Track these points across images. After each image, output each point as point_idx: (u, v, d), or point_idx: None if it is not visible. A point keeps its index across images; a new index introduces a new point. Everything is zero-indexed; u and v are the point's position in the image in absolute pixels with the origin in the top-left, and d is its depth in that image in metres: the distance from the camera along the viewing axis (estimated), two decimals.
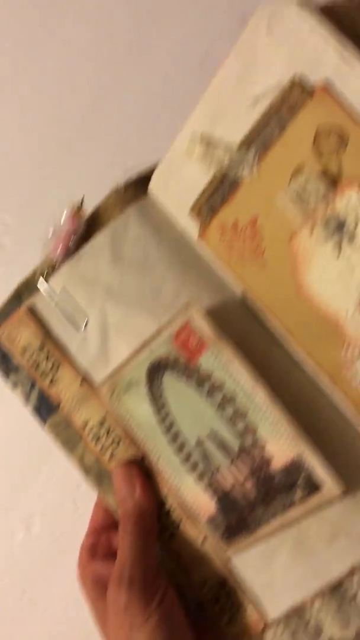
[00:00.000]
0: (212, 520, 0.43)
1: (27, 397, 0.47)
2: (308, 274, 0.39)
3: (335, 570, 0.41)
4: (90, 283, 0.45)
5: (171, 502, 0.45)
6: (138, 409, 0.44)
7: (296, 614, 0.43)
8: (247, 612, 0.44)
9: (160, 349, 0.43)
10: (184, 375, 0.42)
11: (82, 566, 0.47)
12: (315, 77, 0.35)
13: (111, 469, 0.45)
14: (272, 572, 0.43)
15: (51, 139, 0.62)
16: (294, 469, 0.40)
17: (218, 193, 0.40)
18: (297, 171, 0.37)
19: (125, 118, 0.61)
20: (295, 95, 0.36)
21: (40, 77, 0.63)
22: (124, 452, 0.45)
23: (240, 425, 0.41)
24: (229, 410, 0.41)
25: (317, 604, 0.42)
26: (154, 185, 0.44)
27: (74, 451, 0.47)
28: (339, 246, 0.37)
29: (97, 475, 0.46)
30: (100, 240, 0.45)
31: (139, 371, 0.43)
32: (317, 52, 0.35)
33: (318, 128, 0.36)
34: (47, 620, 0.60)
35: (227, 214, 0.40)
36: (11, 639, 0.60)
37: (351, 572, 0.41)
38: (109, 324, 0.45)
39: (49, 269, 0.46)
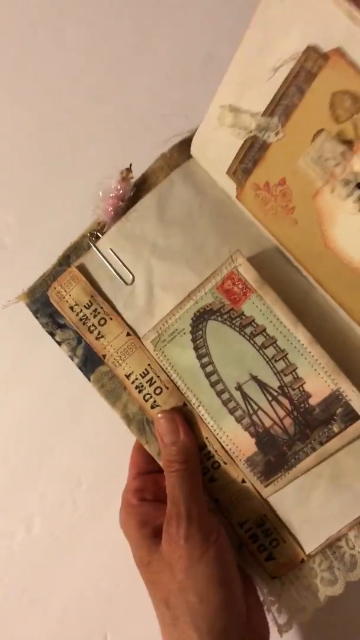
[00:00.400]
0: (251, 459, 0.46)
1: (73, 352, 0.49)
2: (333, 228, 0.42)
3: None
4: (137, 242, 0.48)
5: (211, 446, 0.47)
6: (182, 356, 0.47)
7: (332, 547, 0.46)
8: (286, 548, 0.46)
9: (205, 298, 0.45)
10: (227, 321, 0.45)
11: (129, 507, 0.48)
12: (329, 43, 0.35)
13: (154, 416, 0.47)
14: (310, 507, 0.46)
15: (52, 139, 0.63)
16: (332, 402, 0.43)
17: (249, 156, 0.43)
18: (318, 134, 0.38)
19: (126, 119, 0.62)
20: (311, 62, 0.36)
21: (41, 77, 0.63)
22: (165, 401, 0.47)
23: (281, 365, 0.44)
24: (270, 351, 0.44)
25: (352, 535, 0.45)
26: (194, 150, 0.47)
27: (117, 402, 0.48)
28: (359, 203, 0.40)
29: (140, 424, 0.48)
30: (147, 202, 0.47)
31: (184, 321, 0.46)
32: (329, 17, 0.34)
33: (334, 92, 0.36)
34: (47, 620, 0.58)
35: (259, 175, 0.43)
36: (11, 639, 0.59)
37: None
38: (154, 279, 0.47)
39: (98, 230, 0.48)
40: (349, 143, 0.39)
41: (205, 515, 0.44)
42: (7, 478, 0.60)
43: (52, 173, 0.62)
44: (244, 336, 0.45)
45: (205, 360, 0.46)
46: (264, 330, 0.44)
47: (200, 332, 0.46)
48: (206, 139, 0.45)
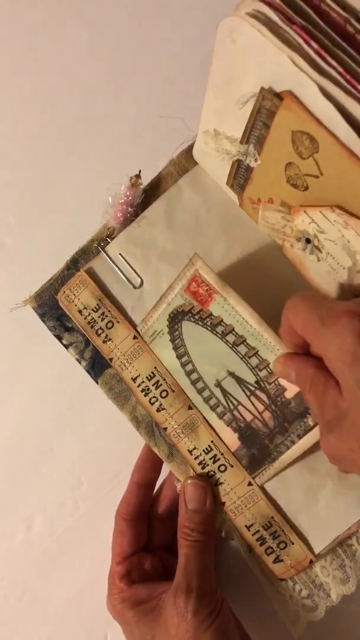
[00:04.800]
0: (236, 454, 0.47)
1: (81, 355, 0.50)
2: (308, 273, 0.46)
3: None
4: (146, 247, 0.50)
5: (217, 449, 0.48)
6: (163, 356, 0.48)
7: (342, 546, 0.46)
8: (294, 550, 0.47)
9: (176, 300, 0.47)
10: (199, 321, 0.46)
11: (120, 593, 0.49)
12: (281, 85, 0.35)
13: (157, 421, 0.48)
14: (317, 506, 0.46)
15: (53, 139, 0.63)
16: None
17: (239, 175, 0.45)
18: (289, 165, 0.39)
19: (126, 119, 0.62)
20: (268, 102, 0.36)
21: (42, 78, 0.64)
22: (171, 404, 0.48)
23: (254, 361, 0.45)
24: (242, 349, 0.46)
25: None
26: (197, 159, 0.49)
27: (125, 404, 0.49)
28: (315, 254, 0.43)
29: (148, 426, 0.49)
30: (156, 208, 0.50)
31: (161, 322, 0.48)
32: (275, 62, 0.34)
33: (293, 131, 0.36)
34: (47, 620, 0.57)
35: (251, 192, 0.46)
36: (11, 639, 0.57)
37: None
38: (163, 283, 0.49)
39: (107, 235, 0.50)
40: (287, 207, 0.42)
41: (213, 590, 0.45)
42: (7, 478, 0.60)
43: (52, 173, 0.62)
44: (216, 335, 0.46)
45: (184, 359, 0.48)
46: (233, 329, 0.46)
47: (177, 332, 0.48)
48: (202, 154, 0.48)
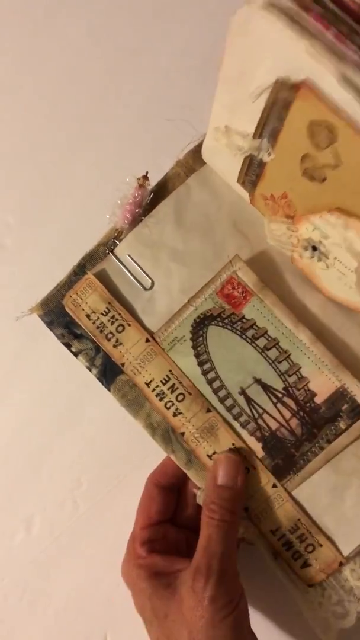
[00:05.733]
0: (262, 463, 0.45)
1: (91, 362, 0.47)
2: (320, 282, 0.44)
3: None
4: (156, 247, 0.48)
5: (239, 452, 0.46)
6: (182, 364, 0.46)
7: None
8: (322, 552, 0.45)
9: (205, 304, 0.46)
10: (228, 325, 0.45)
11: (137, 559, 0.46)
12: (297, 75, 0.33)
13: (174, 426, 0.46)
14: (344, 506, 0.45)
15: (53, 139, 0.61)
16: (338, 399, 0.43)
17: (252, 171, 0.43)
18: (304, 158, 0.38)
19: (126, 119, 0.61)
20: (284, 94, 0.35)
21: (40, 78, 0.62)
22: (188, 407, 0.46)
23: (284, 366, 0.44)
24: (273, 353, 0.44)
25: None
26: (205, 158, 0.47)
27: (140, 411, 0.47)
28: (323, 261, 0.42)
29: (165, 433, 0.47)
30: (164, 207, 0.47)
31: (184, 328, 0.46)
32: (291, 52, 0.33)
33: (310, 123, 0.35)
34: (47, 621, 0.56)
35: (264, 188, 0.43)
36: (11, 639, 0.56)
37: None
38: (174, 283, 0.47)
39: (116, 237, 0.48)
40: (290, 217, 0.41)
41: (235, 577, 0.42)
42: (7, 478, 0.58)
43: (52, 173, 0.61)
44: (245, 340, 0.45)
45: (207, 366, 0.46)
46: (266, 332, 0.44)
47: (201, 339, 0.46)
48: (211, 152, 0.46)
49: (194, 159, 0.48)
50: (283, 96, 0.35)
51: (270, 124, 0.38)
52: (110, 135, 0.60)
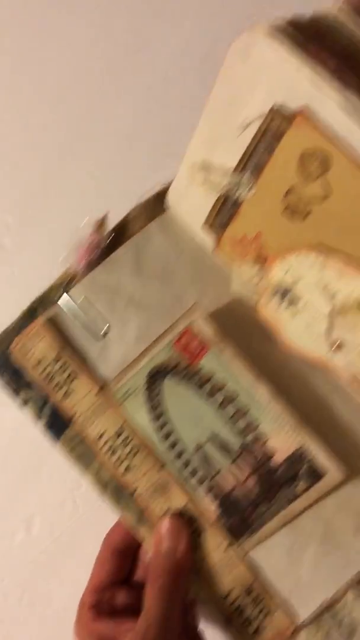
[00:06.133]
0: (215, 525, 0.43)
1: (38, 413, 0.45)
2: (284, 332, 0.43)
3: None
4: (112, 292, 0.45)
5: (192, 511, 0.43)
6: (136, 417, 0.44)
7: (328, 612, 0.42)
8: (275, 618, 0.43)
9: (161, 354, 0.43)
10: (184, 378, 0.43)
11: (84, 625, 0.45)
12: (293, 104, 0.35)
13: (125, 483, 0.44)
14: (300, 570, 0.42)
15: (52, 139, 0.61)
16: (296, 460, 0.41)
17: (224, 212, 0.42)
18: (289, 192, 0.38)
19: (126, 119, 0.60)
20: (277, 122, 0.36)
21: (40, 78, 0.62)
22: (141, 462, 0.44)
23: (242, 423, 0.42)
24: (230, 409, 0.42)
25: (350, 597, 0.42)
26: (170, 203, 0.46)
27: (89, 467, 0.45)
28: (291, 308, 0.41)
29: (115, 490, 0.44)
30: (123, 253, 0.46)
31: (138, 379, 0.44)
32: (292, 80, 0.34)
33: (302, 153, 0.36)
34: (47, 621, 0.58)
35: (235, 230, 0.42)
36: (11, 639, 0.58)
37: None
38: (131, 331, 0.45)
39: (69, 281, 0.46)
40: (262, 260, 0.40)
41: None
42: (7, 478, 0.59)
43: (51, 173, 0.62)
44: (202, 394, 0.43)
45: (162, 420, 0.43)
46: (224, 386, 0.42)
47: (156, 391, 0.43)
48: (180, 194, 0.45)
49: (156, 204, 0.46)
50: (276, 125, 0.36)
51: (257, 156, 0.38)
52: (110, 134, 0.60)
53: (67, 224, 0.55)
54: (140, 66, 0.60)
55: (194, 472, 0.43)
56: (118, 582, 0.47)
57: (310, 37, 0.35)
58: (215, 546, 0.43)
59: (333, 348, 0.40)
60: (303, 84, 0.34)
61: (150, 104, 0.60)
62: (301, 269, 0.39)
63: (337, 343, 0.40)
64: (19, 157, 0.61)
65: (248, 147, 0.38)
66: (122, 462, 0.44)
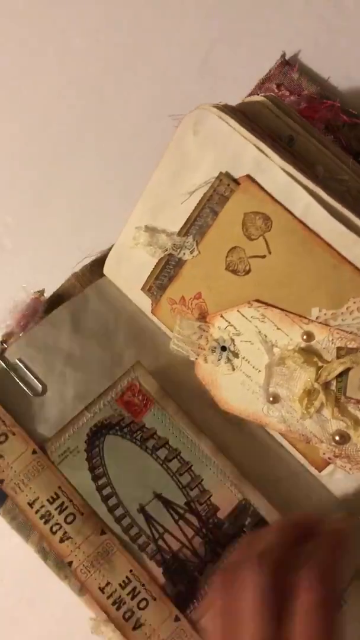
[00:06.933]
0: (163, 592, 0.41)
1: None
2: (220, 392, 0.44)
3: None
4: (50, 351, 0.45)
5: (137, 580, 0.41)
6: (75, 478, 0.42)
7: None
8: None
9: (103, 411, 0.43)
10: (127, 434, 0.43)
11: None
12: (238, 172, 0.39)
13: (62, 554, 0.41)
14: None
15: (51, 139, 0.61)
16: (241, 512, 0.41)
17: (165, 273, 0.44)
18: (231, 251, 0.41)
19: (125, 118, 0.60)
20: (224, 187, 0.40)
21: (39, 79, 0.62)
22: (79, 530, 0.41)
23: (186, 478, 0.42)
24: (174, 464, 0.42)
25: None
26: (107, 270, 0.47)
27: (30, 536, 0.42)
28: (230, 363, 0.42)
29: (55, 561, 0.41)
30: (60, 313, 0.46)
31: (78, 437, 0.43)
32: (239, 148, 0.38)
33: (245, 213, 0.39)
34: (46, 621, 0.54)
35: (174, 290, 0.44)
36: (11, 639, 0.55)
37: None
38: (69, 390, 0.44)
39: (5, 340, 0.45)
40: (203, 317, 0.42)
41: None
42: None
43: (51, 173, 0.61)
44: (145, 450, 0.42)
45: (102, 481, 0.42)
46: (167, 442, 0.42)
47: (97, 450, 0.43)
48: (121, 257, 0.46)
49: (91, 272, 0.48)
50: (222, 190, 0.39)
51: (201, 219, 0.41)
52: (110, 134, 0.60)
53: (67, 225, 0.59)
54: (139, 67, 0.60)
55: (137, 536, 0.41)
56: None
57: (248, 118, 0.40)
58: (164, 618, 0.40)
59: (269, 400, 0.41)
60: (249, 151, 0.38)
61: (150, 104, 0.59)
62: (240, 324, 0.41)
63: (273, 396, 0.41)
64: (17, 157, 0.61)
65: (193, 212, 0.41)
66: (57, 530, 0.41)
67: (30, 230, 0.60)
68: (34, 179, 0.61)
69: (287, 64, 0.53)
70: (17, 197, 0.61)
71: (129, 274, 0.46)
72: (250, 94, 0.53)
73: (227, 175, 0.39)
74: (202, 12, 0.59)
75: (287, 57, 0.53)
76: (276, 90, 0.52)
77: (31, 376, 0.44)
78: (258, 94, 0.50)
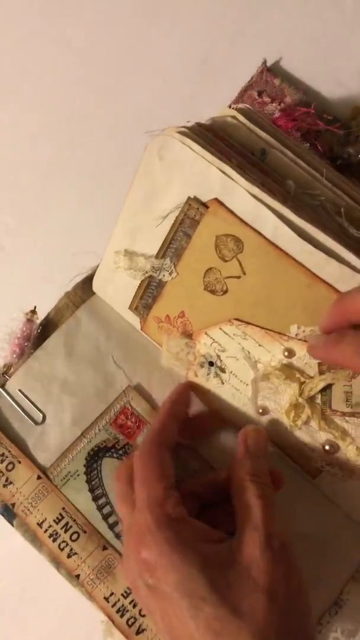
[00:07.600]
0: None
1: None
2: (212, 404, 0.45)
3: None
4: (47, 380, 0.46)
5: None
6: (77, 500, 0.44)
7: None
8: None
9: (99, 435, 0.45)
10: (123, 456, 0.44)
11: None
12: (206, 196, 0.39)
13: (70, 568, 0.44)
14: None
15: (51, 140, 0.61)
16: None
17: (148, 293, 0.45)
18: (208, 272, 0.41)
19: (125, 118, 0.60)
20: (193, 211, 0.40)
21: (39, 79, 0.62)
22: (83, 547, 0.44)
23: None
24: None
25: None
26: (96, 289, 0.48)
27: (42, 549, 0.45)
28: (219, 377, 0.43)
29: (66, 573, 0.44)
30: (54, 341, 0.47)
31: (77, 462, 0.45)
32: (204, 172, 0.38)
33: (217, 235, 0.39)
34: (47, 620, 0.54)
35: (159, 309, 0.45)
36: (11, 639, 0.55)
37: None
38: (66, 415, 0.46)
39: (5, 371, 0.47)
40: (189, 335, 0.43)
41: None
42: None
43: (51, 174, 0.61)
44: None
45: (102, 501, 0.44)
46: None
47: (95, 472, 0.44)
48: (105, 279, 0.47)
49: (83, 290, 0.48)
50: (192, 214, 0.40)
51: (176, 242, 0.41)
52: (110, 134, 0.60)
53: (67, 224, 0.59)
54: (139, 67, 0.60)
55: None
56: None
57: (216, 136, 0.40)
58: None
59: (259, 412, 0.42)
60: (213, 178, 0.38)
61: (150, 104, 0.59)
62: (224, 341, 0.42)
63: (262, 408, 0.42)
64: (17, 157, 0.61)
65: (167, 236, 0.42)
66: (64, 547, 0.44)
67: (30, 230, 0.60)
68: (34, 180, 0.61)
69: (269, 70, 0.52)
70: (16, 198, 0.61)
71: (115, 294, 0.47)
72: (234, 102, 0.52)
73: (196, 199, 0.40)
74: (202, 12, 0.58)
75: (279, 63, 0.53)
76: (257, 98, 0.51)
77: (31, 406, 0.46)
78: (240, 103, 0.50)
